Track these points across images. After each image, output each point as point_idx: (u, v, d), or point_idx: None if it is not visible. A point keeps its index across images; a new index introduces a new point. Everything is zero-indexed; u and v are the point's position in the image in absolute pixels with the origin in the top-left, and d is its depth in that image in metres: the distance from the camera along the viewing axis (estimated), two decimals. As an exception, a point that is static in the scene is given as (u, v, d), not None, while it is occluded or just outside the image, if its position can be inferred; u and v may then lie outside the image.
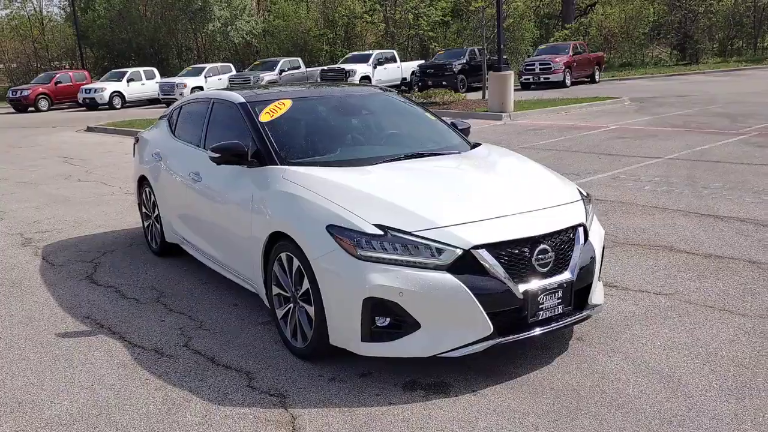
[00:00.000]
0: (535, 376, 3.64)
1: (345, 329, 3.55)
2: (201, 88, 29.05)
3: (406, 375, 3.67)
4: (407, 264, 3.41)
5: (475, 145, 5.00)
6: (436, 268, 3.40)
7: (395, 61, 30.17)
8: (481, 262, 3.44)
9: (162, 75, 32.03)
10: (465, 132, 5.32)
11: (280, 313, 4.06)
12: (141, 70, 30.64)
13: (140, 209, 6.52)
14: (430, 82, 26.21)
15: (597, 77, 29.47)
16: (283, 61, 29.76)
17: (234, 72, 30.74)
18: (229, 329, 4.42)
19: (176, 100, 27.81)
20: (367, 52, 30.60)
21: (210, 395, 3.55)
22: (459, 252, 3.42)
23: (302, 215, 3.79)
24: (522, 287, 3.49)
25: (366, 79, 27.64)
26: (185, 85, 27.92)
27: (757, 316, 4.31)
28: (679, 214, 6.89)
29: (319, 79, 27.61)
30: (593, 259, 3.85)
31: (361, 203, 3.69)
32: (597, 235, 4.05)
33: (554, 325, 3.67)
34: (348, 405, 3.40)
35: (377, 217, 3.55)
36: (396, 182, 4.02)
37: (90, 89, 28.73)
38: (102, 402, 3.53)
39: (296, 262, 3.77)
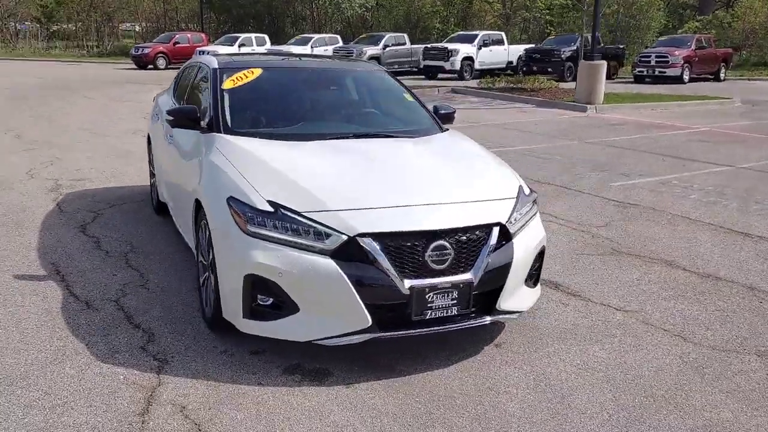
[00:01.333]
0: (423, 377, 3.47)
1: (232, 303, 3.52)
2: (306, 58, 29.66)
3: (294, 358, 3.60)
4: (292, 245, 3.32)
5: (444, 131, 4.79)
6: (321, 252, 3.29)
7: (502, 43, 29.35)
8: (366, 251, 3.29)
9: (275, 43, 32.90)
10: (447, 117, 5.09)
11: (201, 280, 4.09)
12: (253, 36, 31.62)
13: (149, 167, 6.76)
14: (535, 68, 25.29)
15: (722, 75, 27.35)
16: (388, 36, 29.74)
17: (340, 44, 31.08)
18: (167, 291, 4.50)
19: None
20: (473, 33, 29.96)
21: (100, 352, 3.63)
22: (344, 238, 3.29)
23: (213, 185, 3.78)
24: (409, 282, 3.31)
25: (468, 60, 27.11)
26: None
27: (709, 347, 3.88)
28: (707, 228, 6.31)
29: (421, 57, 27.44)
30: (510, 262, 3.58)
31: (266, 178, 3.63)
32: (529, 238, 3.76)
33: (447, 327, 3.48)
34: (218, 379, 3.38)
35: (273, 194, 3.48)
36: (319, 161, 3.92)
37: (203, 51, 29.87)
38: (3, 342, 3.70)
39: (208, 231, 3.77)
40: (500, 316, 3.66)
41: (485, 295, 3.57)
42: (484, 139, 11.31)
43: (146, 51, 31.00)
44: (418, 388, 3.36)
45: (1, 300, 4.27)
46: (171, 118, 4.47)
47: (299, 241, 3.32)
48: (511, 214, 3.68)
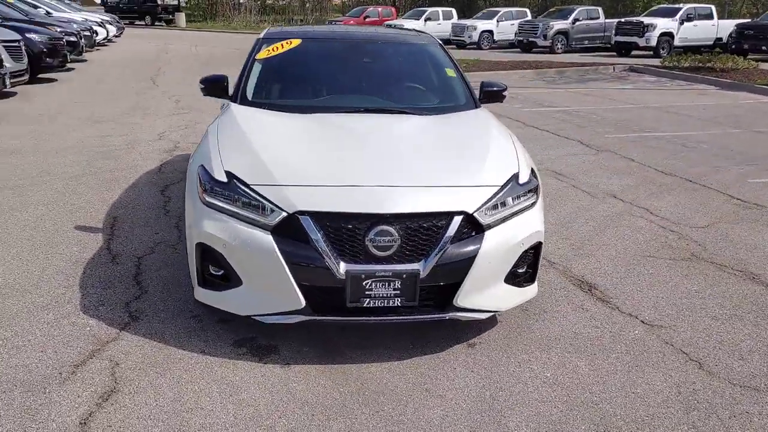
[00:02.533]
0: (367, 369, 3.28)
1: (192, 271, 3.57)
2: (490, 33, 29.06)
3: (252, 332, 3.57)
4: (239, 217, 3.27)
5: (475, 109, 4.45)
6: (263, 227, 3.21)
7: (711, 17, 26.47)
8: (304, 230, 3.15)
9: (466, 17, 32.59)
10: (492, 95, 4.72)
11: None
12: (440, 10, 31.55)
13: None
14: (746, 46, 22.59)
15: None
16: (579, 10, 28.08)
17: (528, 17, 30.00)
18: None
19: (464, 42, 28.09)
20: (677, 6, 27.35)
21: (88, 303, 3.87)
22: (284, 215, 3.18)
23: (198, 152, 3.83)
24: (345, 267, 3.13)
25: (667, 36, 24.85)
26: (475, 28, 28.14)
27: (725, 380, 3.25)
28: (835, 239, 5.26)
29: (613, 33, 25.68)
30: (474, 256, 3.24)
31: (238, 149, 3.61)
32: (512, 231, 3.37)
33: (391, 318, 3.25)
34: (168, 342, 3.46)
35: (233, 165, 3.45)
36: (303, 134, 3.83)
37: (390, 25, 30.52)
38: (18, 285, 4.09)
39: None
40: (461, 314, 3.34)
41: (441, 289, 3.27)
42: (628, 124, 10.36)
43: (338, 24, 32.28)
44: (353, 379, 3.19)
45: (45, 247, 4.72)
46: (202, 86, 4.60)
47: (245, 214, 3.26)
48: (484, 204, 3.32)
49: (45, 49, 13.24)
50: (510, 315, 3.85)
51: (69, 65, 15.66)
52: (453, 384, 3.17)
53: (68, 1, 27.79)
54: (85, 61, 18.64)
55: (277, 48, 4.74)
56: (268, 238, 3.18)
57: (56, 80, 14.22)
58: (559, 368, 3.33)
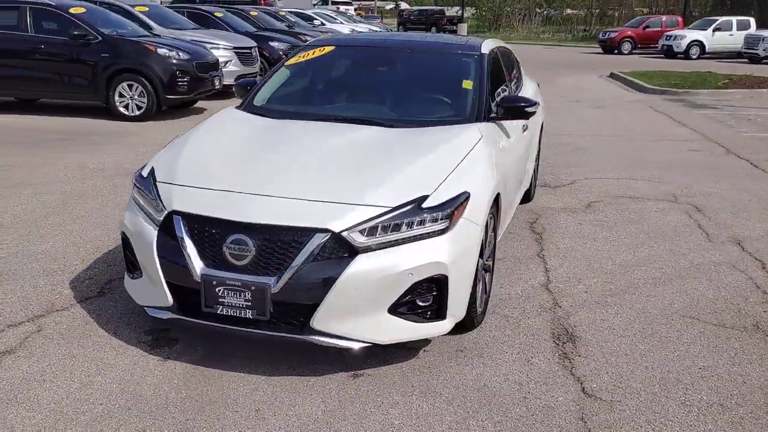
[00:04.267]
0: (234, 378, 3.21)
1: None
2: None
3: (169, 324, 3.58)
4: (144, 211, 3.44)
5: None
6: (155, 222, 3.33)
7: None
8: (175, 229, 3.21)
9: (761, 27, 28.61)
10: (514, 111, 4.21)
11: None
12: (734, 19, 28.02)
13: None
14: None
15: None
16: None
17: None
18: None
19: (758, 55, 24.97)
20: None
21: (81, 276, 4.35)
22: (166, 213, 3.27)
23: None
24: (201, 271, 3.11)
25: None
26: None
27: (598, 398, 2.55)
28: None
29: None
30: (335, 278, 2.98)
31: (173, 148, 3.82)
32: (400, 259, 3.04)
33: (248, 330, 3.15)
34: (95, 320, 3.73)
35: (159, 163, 3.64)
36: (247, 139, 3.93)
37: (671, 36, 28.01)
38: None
39: None
40: (321, 338, 3.08)
41: (299, 308, 3.07)
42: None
43: (612, 35, 30.64)
44: (210, 384, 3.15)
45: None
46: (234, 89, 4.85)
47: (147, 208, 3.41)
48: (359, 224, 3.03)
49: (284, 56, 14.81)
50: (436, 352, 3.45)
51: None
52: (291, 411, 2.97)
53: (361, 17, 30.26)
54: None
55: (308, 55, 4.79)
56: (152, 234, 3.29)
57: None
58: (425, 419, 2.91)
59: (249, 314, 3.09)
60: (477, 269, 3.45)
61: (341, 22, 25.75)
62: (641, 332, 3.75)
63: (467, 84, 4.36)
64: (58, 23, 9.94)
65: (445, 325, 3.29)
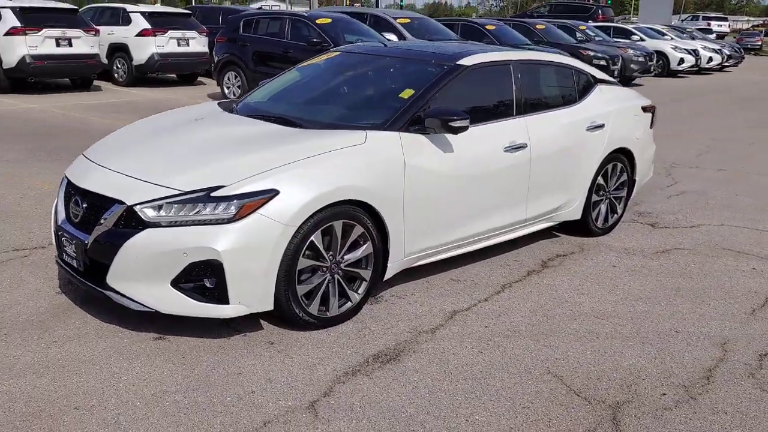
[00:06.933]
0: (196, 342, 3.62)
1: None
2: None
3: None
4: None
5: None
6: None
7: None
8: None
9: None
10: (438, 123, 4.01)
11: None
12: None
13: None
14: None
15: None
16: None
17: None
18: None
19: None
20: None
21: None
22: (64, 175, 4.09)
23: None
24: (60, 222, 3.84)
25: None
26: None
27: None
28: None
29: None
30: (119, 246, 3.42)
31: (115, 132, 4.58)
32: (180, 240, 3.38)
33: (78, 278, 3.73)
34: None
35: (98, 145, 4.37)
36: (165, 126, 4.43)
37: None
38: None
39: None
40: (114, 295, 3.53)
41: (100, 266, 3.56)
42: None
43: None
44: (185, 359, 3.45)
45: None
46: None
47: None
48: (149, 202, 3.45)
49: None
50: (248, 340, 3.62)
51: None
52: (280, 373, 3.47)
53: (693, 33, 27.58)
54: (641, 85, 19.00)
55: (315, 60, 5.12)
56: (61, 191, 4.10)
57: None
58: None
59: (76, 265, 3.72)
60: (294, 266, 3.54)
61: (669, 38, 23.71)
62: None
63: (406, 93, 4.24)
64: (307, 31, 11.59)
65: (227, 309, 3.46)
